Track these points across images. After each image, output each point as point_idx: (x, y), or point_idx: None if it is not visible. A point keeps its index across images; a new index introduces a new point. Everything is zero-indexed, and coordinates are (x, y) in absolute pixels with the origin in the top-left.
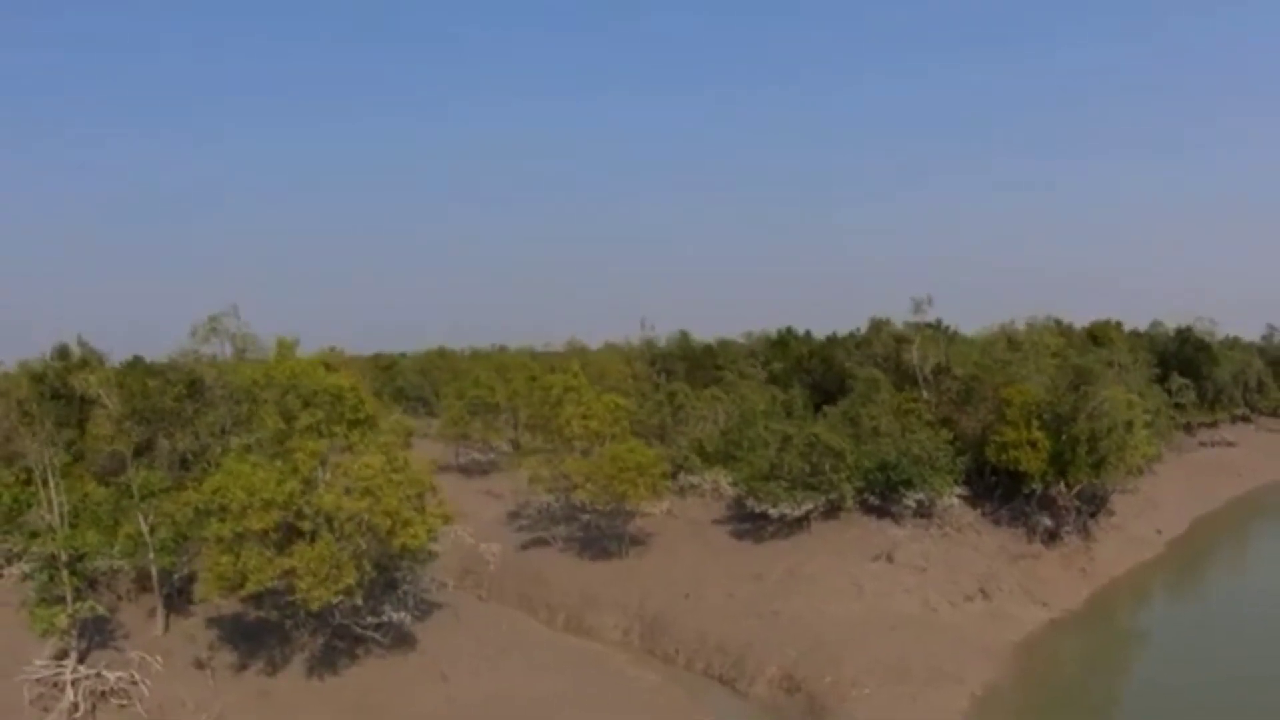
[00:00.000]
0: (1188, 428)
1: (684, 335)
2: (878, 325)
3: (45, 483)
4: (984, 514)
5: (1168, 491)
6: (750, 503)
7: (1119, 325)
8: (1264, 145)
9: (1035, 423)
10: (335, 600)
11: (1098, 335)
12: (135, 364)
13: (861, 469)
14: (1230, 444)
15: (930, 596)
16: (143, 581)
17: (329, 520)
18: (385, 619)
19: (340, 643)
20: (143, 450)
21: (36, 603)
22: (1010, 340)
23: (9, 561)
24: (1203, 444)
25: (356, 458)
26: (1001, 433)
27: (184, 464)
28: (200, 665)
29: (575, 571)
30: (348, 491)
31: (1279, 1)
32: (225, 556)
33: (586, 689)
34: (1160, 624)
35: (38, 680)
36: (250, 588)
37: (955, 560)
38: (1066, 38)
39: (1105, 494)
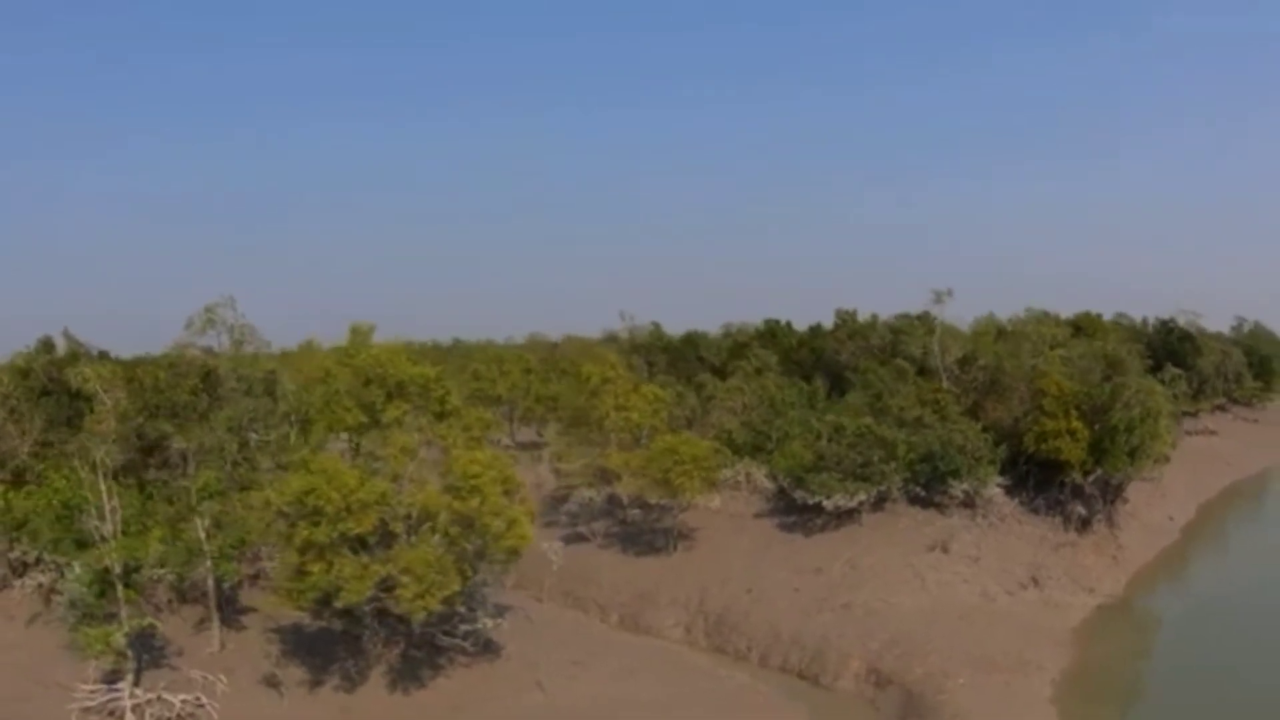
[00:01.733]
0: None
1: (656, 327)
2: (845, 317)
3: (97, 485)
4: (1021, 503)
5: (1171, 480)
6: (800, 494)
7: (1099, 317)
8: (1229, 146)
9: (1074, 413)
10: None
11: (1083, 326)
12: (101, 358)
13: (907, 459)
14: (1213, 433)
15: (988, 586)
16: (182, 592)
17: (429, 521)
18: (479, 625)
19: (418, 652)
20: (152, 449)
21: (78, 620)
22: (1000, 332)
23: (16, 571)
24: (1188, 433)
25: (466, 452)
26: (1041, 423)
27: (184, 462)
28: (271, 683)
29: (623, 568)
30: (453, 489)
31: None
32: (316, 565)
33: (680, 690)
34: (1203, 608)
35: (86, 708)
36: (346, 599)
37: (1004, 550)
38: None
39: (1123, 483)
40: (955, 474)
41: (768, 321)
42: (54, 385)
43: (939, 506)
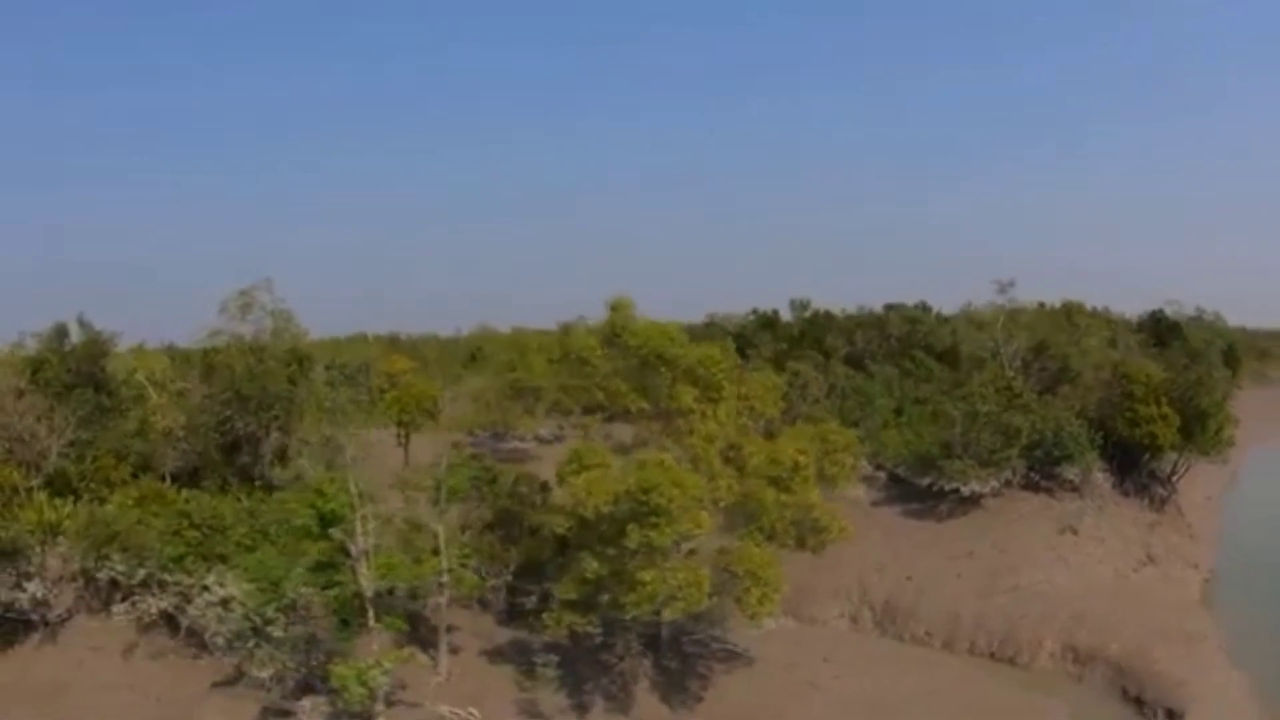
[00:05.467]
0: None
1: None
2: (800, 306)
3: (347, 490)
4: (1113, 486)
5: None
6: (938, 481)
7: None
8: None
9: (1163, 399)
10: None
11: (1071, 316)
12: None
13: (1022, 445)
14: None
15: (1117, 565)
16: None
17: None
18: (763, 629)
19: (671, 662)
20: (233, 447)
21: (254, 650)
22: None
23: (100, 595)
24: None
25: (790, 441)
26: (1134, 409)
27: (281, 460)
28: (531, 712)
29: None
30: (779, 481)
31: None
32: (647, 572)
33: (926, 681)
34: None
35: None
36: (679, 610)
37: (1117, 530)
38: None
39: (1184, 467)
40: (1069, 459)
41: (756, 312)
42: (78, 378)
43: (1048, 491)
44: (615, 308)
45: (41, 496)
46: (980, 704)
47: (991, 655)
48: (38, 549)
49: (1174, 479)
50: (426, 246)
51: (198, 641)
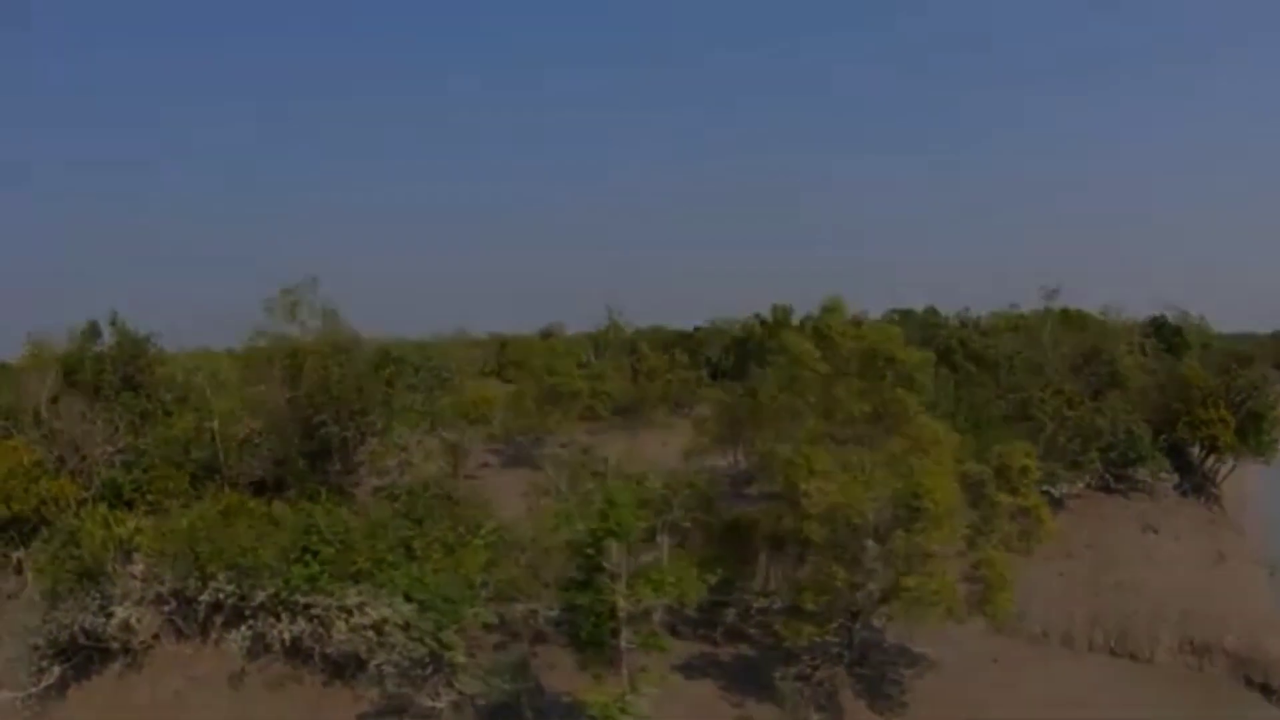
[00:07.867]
0: None
1: (615, 324)
2: (779, 311)
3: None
4: (1173, 487)
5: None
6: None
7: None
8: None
9: (1221, 403)
10: None
11: (1071, 319)
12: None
13: (1098, 448)
14: None
15: (1197, 562)
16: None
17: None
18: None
19: (865, 669)
20: (319, 454)
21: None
22: (1017, 327)
23: (194, 616)
24: None
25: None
26: (1194, 413)
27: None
28: None
29: None
30: (1009, 485)
31: None
32: (910, 579)
33: (1085, 678)
34: None
35: None
36: (939, 615)
37: (1189, 528)
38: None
39: (1218, 466)
40: (1140, 461)
41: (759, 316)
42: (123, 382)
43: (1121, 492)
44: (828, 309)
45: (102, 509)
46: (1142, 698)
47: (1111, 651)
48: (114, 569)
49: (1218, 479)
50: (407, 247)
51: (328, 668)
